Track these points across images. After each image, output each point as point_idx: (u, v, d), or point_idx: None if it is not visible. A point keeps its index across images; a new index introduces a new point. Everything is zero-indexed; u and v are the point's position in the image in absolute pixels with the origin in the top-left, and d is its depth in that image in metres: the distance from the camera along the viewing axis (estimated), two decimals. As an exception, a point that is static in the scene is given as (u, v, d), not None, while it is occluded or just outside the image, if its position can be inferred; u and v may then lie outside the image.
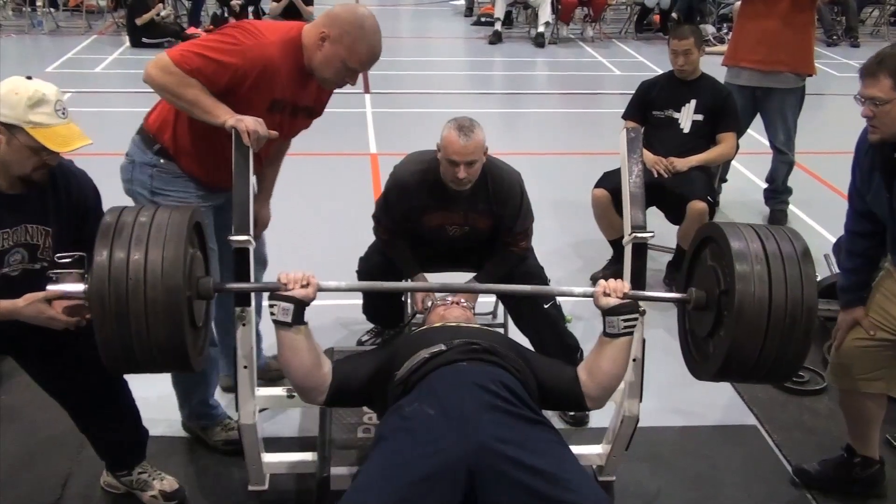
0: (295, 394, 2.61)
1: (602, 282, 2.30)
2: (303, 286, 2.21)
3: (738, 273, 2.06)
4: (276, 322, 2.22)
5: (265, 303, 3.19)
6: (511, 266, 3.25)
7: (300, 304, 2.21)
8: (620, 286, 2.29)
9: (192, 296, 2.09)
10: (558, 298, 3.31)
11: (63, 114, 2.23)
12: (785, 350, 2.08)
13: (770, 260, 2.08)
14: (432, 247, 3.33)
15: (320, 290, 2.24)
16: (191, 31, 10.47)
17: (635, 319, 2.31)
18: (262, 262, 3.14)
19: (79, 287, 2.08)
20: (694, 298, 2.27)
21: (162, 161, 2.71)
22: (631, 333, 2.31)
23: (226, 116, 2.47)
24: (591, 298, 2.32)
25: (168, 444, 3.04)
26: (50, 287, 2.11)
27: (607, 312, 2.28)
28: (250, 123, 2.42)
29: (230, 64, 2.51)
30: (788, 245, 2.12)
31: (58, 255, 2.18)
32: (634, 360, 2.50)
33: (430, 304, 3.07)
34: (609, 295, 2.28)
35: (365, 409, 2.80)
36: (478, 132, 2.96)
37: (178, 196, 2.71)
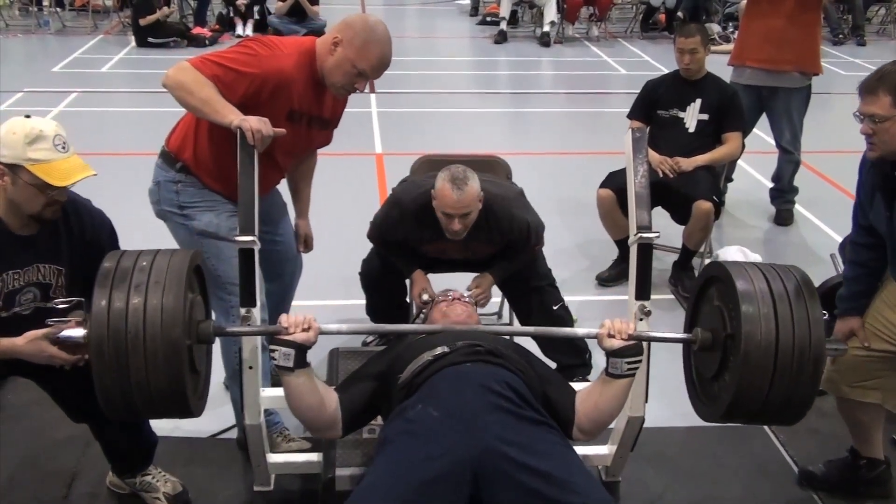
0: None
1: (607, 322, 2.27)
2: (304, 330, 2.18)
3: (744, 315, 2.03)
4: (278, 367, 2.20)
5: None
6: (524, 264, 3.26)
7: (301, 349, 2.18)
8: (625, 328, 2.25)
9: (192, 343, 2.08)
10: (566, 301, 3.31)
11: (63, 148, 2.23)
12: (792, 394, 2.05)
13: (777, 301, 2.05)
14: (433, 270, 3.35)
15: (322, 333, 2.22)
16: (196, 31, 10.49)
17: (639, 362, 2.28)
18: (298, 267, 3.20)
19: (79, 332, 2.08)
20: (700, 339, 2.24)
21: (185, 177, 2.75)
22: (633, 375, 2.28)
23: (232, 116, 2.48)
24: (596, 339, 2.28)
25: (173, 445, 3.04)
26: (49, 331, 2.11)
27: (611, 354, 2.25)
28: (254, 123, 2.43)
29: (248, 73, 2.57)
30: (794, 284, 2.09)
31: (56, 300, 2.20)
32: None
33: (425, 297, 3.08)
34: (613, 336, 2.24)
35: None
36: (472, 184, 2.94)
37: (208, 205, 2.75)
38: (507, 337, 3.06)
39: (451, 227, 2.98)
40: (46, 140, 2.20)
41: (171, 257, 2.06)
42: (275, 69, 2.61)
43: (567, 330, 2.50)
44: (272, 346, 2.21)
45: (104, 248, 2.35)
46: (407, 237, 3.20)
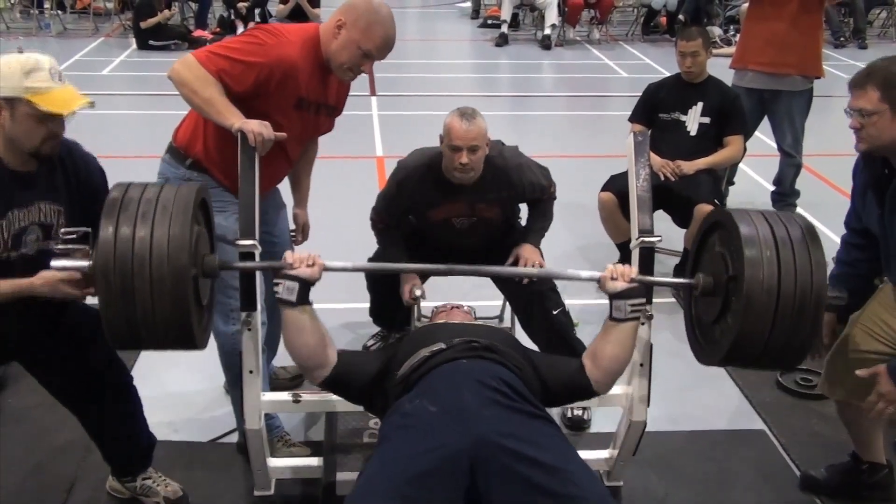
0: (301, 398, 2.61)
1: (609, 266, 2.30)
2: (308, 266, 2.20)
3: (747, 258, 2.03)
4: (280, 301, 2.22)
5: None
6: (548, 212, 3.29)
7: (305, 284, 2.20)
8: (628, 270, 2.28)
9: (198, 274, 2.08)
10: (567, 305, 3.30)
11: (59, 78, 2.21)
12: (793, 337, 2.05)
13: (779, 245, 2.05)
14: (438, 244, 3.30)
15: (326, 269, 2.24)
16: (197, 33, 10.50)
17: (642, 304, 2.30)
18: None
19: (84, 263, 2.06)
20: (702, 284, 2.24)
21: (195, 174, 2.72)
22: (637, 318, 2.30)
23: (234, 119, 2.48)
24: (599, 282, 2.31)
25: (173, 448, 3.04)
26: (55, 263, 2.09)
27: (614, 296, 2.27)
28: (255, 126, 2.43)
29: (256, 63, 2.57)
30: (798, 230, 2.09)
31: (63, 230, 2.18)
32: (642, 365, 2.49)
33: (418, 293, 3.07)
34: (616, 279, 2.27)
35: (370, 413, 2.79)
36: (480, 120, 2.96)
37: (218, 207, 2.70)
38: (498, 325, 3.07)
39: (459, 160, 2.93)
40: (43, 70, 2.18)
41: (177, 190, 2.06)
42: (281, 57, 2.60)
43: (570, 273, 2.52)
44: (276, 280, 2.22)
45: (99, 190, 2.37)
46: (413, 201, 3.19)
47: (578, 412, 3.24)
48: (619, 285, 2.27)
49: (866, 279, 2.67)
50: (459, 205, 3.16)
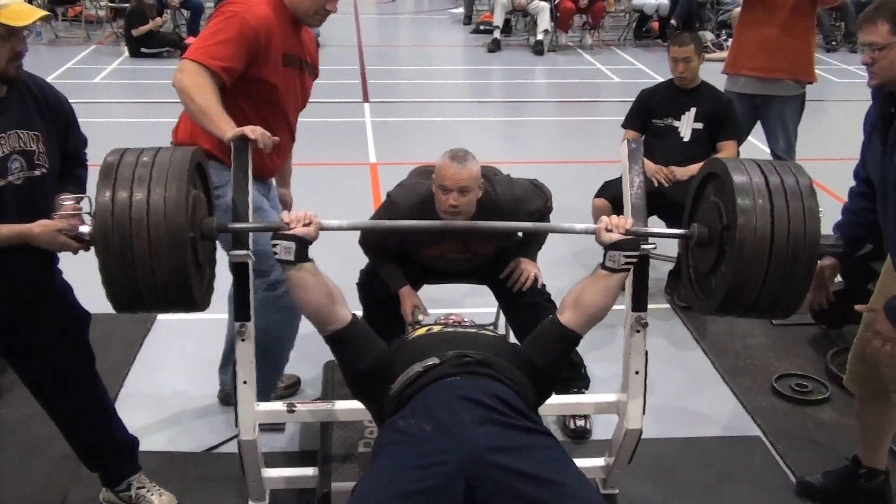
0: (296, 408, 2.60)
1: (604, 218, 2.34)
2: (305, 225, 2.26)
3: (740, 207, 2.08)
4: (279, 262, 2.26)
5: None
6: (544, 232, 3.30)
7: (302, 242, 2.25)
8: (623, 222, 2.33)
9: (196, 235, 2.12)
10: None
11: None
12: (787, 284, 2.10)
13: (773, 194, 2.10)
14: (432, 274, 3.30)
15: (322, 229, 2.31)
16: (189, 40, 10.48)
17: (636, 256, 2.32)
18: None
19: (85, 229, 2.14)
20: (697, 234, 2.30)
21: (212, 161, 2.66)
22: (629, 269, 2.33)
23: (226, 128, 2.49)
24: (594, 234, 2.36)
25: (168, 459, 3.02)
26: (58, 221, 2.17)
27: (610, 247, 2.31)
28: (248, 128, 2.46)
29: (242, 33, 2.68)
30: (792, 179, 2.13)
31: (61, 195, 2.23)
32: (637, 372, 2.48)
33: (420, 318, 3.04)
34: (612, 231, 2.32)
35: (366, 423, 2.78)
36: (472, 163, 2.85)
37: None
38: (493, 331, 3.05)
39: (448, 201, 2.82)
40: None
41: (173, 153, 2.11)
42: (258, 17, 2.72)
43: (565, 225, 2.56)
44: (273, 241, 2.25)
45: (70, 118, 2.42)
46: (406, 242, 3.15)
47: (581, 422, 3.22)
48: (615, 236, 2.31)
49: (869, 229, 2.68)
50: (453, 244, 3.10)
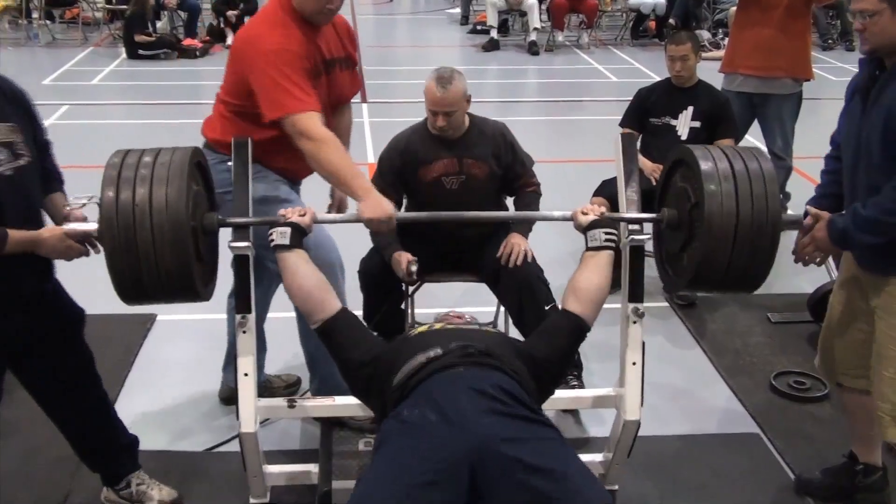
0: (296, 403, 2.60)
1: (579, 206, 2.49)
2: (300, 215, 2.40)
3: (706, 190, 2.23)
4: (275, 247, 2.35)
5: (270, 314, 3.20)
6: (534, 206, 3.37)
7: (297, 228, 2.37)
8: (597, 207, 2.48)
9: (197, 228, 2.23)
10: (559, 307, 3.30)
11: None
12: (752, 258, 2.25)
13: (737, 178, 2.25)
14: (432, 207, 3.26)
15: (316, 221, 2.44)
16: (187, 42, 10.49)
17: (615, 233, 2.43)
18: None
19: (91, 227, 2.24)
20: (667, 217, 2.45)
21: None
22: (612, 247, 2.42)
23: (361, 193, 2.58)
24: (571, 219, 2.48)
25: (169, 458, 3.03)
26: (66, 227, 2.27)
27: (588, 227, 2.44)
28: (374, 213, 2.55)
29: (297, 62, 2.66)
30: (755, 164, 2.29)
31: (72, 198, 2.35)
32: (634, 363, 2.51)
33: (414, 269, 3.12)
34: (587, 213, 2.46)
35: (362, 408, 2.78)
36: (457, 83, 3.13)
37: (258, 177, 2.74)
38: (494, 330, 3.07)
39: (437, 122, 3.17)
40: None
41: (173, 152, 2.22)
42: (279, 42, 2.66)
43: (544, 213, 2.76)
44: (270, 230, 2.35)
45: (33, 111, 2.43)
46: (404, 162, 3.30)
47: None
48: (591, 217, 2.45)
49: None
50: (448, 161, 3.26)
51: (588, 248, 2.42)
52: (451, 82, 3.11)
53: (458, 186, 3.29)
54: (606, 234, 2.41)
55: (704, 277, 2.31)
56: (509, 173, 3.36)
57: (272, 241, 2.34)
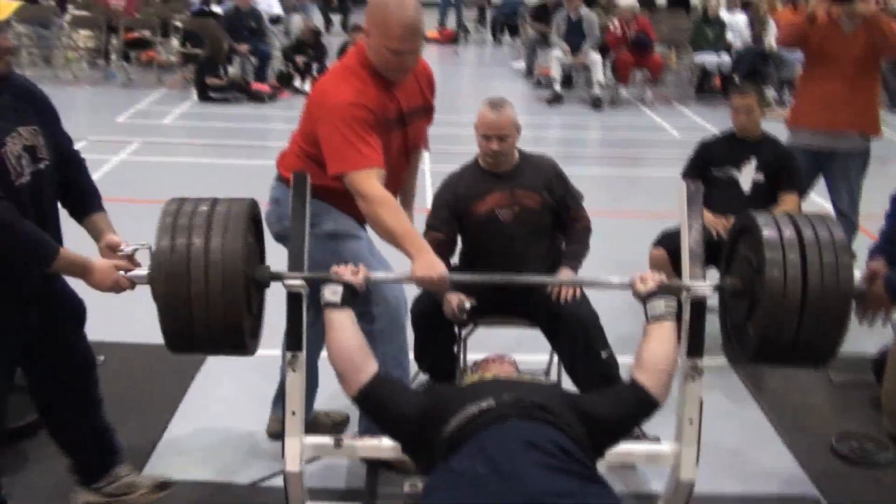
0: (343, 442, 2.58)
1: (637, 273, 2.43)
2: (353, 274, 2.39)
3: (767, 257, 2.18)
4: (325, 305, 2.34)
5: (325, 353, 3.19)
6: (584, 241, 3.38)
7: (349, 287, 2.36)
8: (657, 275, 2.42)
9: (249, 284, 2.23)
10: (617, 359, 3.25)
11: None
12: (822, 331, 2.17)
13: (806, 246, 2.18)
14: (486, 248, 3.31)
15: (369, 280, 2.42)
16: (255, 86, 10.75)
17: (676, 301, 2.38)
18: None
19: (143, 273, 2.26)
20: (729, 285, 2.40)
21: (314, 199, 2.69)
22: (673, 317, 2.34)
23: (413, 252, 2.58)
24: (630, 286, 2.43)
25: (212, 490, 3.03)
26: (117, 259, 2.32)
27: (647, 297, 2.38)
28: (428, 274, 2.53)
29: (367, 119, 2.64)
30: (826, 232, 2.21)
31: (124, 243, 2.38)
32: (691, 421, 2.43)
33: (467, 305, 3.10)
34: (646, 280, 2.40)
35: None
36: (509, 109, 3.19)
37: (340, 226, 2.83)
38: (548, 381, 3.01)
39: (489, 147, 3.20)
40: None
41: (230, 204, 2.23)
42: (350, 104, 2.64)
43: (602, 279, 2.71)
44: (322, 286, 2.34)
45: (55, 114, 2.48)
46: (457, 197, 3.32)
47: None
48: (650, 285, 2.38)
49: None
50: (500, 194, 3.28)
51: (648, 320, 2.36)
52: (503, 106, 3.20)
53: (511, 219, 3.28)
54: (667, 302, 2.35)
55: (769, 349, 2.24)
56: (561, 206, 3.36)
57: (323, 298, 2.33)
